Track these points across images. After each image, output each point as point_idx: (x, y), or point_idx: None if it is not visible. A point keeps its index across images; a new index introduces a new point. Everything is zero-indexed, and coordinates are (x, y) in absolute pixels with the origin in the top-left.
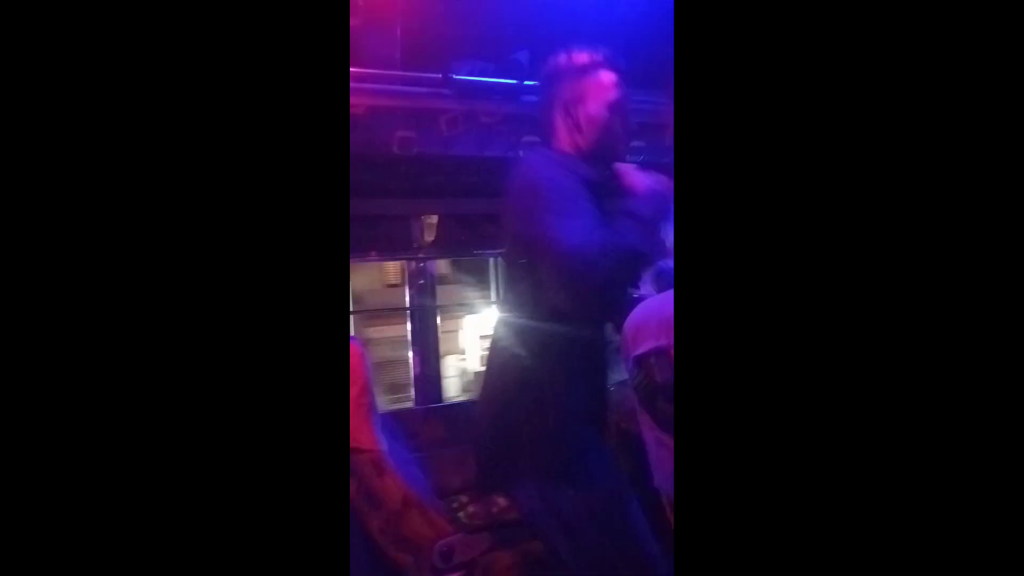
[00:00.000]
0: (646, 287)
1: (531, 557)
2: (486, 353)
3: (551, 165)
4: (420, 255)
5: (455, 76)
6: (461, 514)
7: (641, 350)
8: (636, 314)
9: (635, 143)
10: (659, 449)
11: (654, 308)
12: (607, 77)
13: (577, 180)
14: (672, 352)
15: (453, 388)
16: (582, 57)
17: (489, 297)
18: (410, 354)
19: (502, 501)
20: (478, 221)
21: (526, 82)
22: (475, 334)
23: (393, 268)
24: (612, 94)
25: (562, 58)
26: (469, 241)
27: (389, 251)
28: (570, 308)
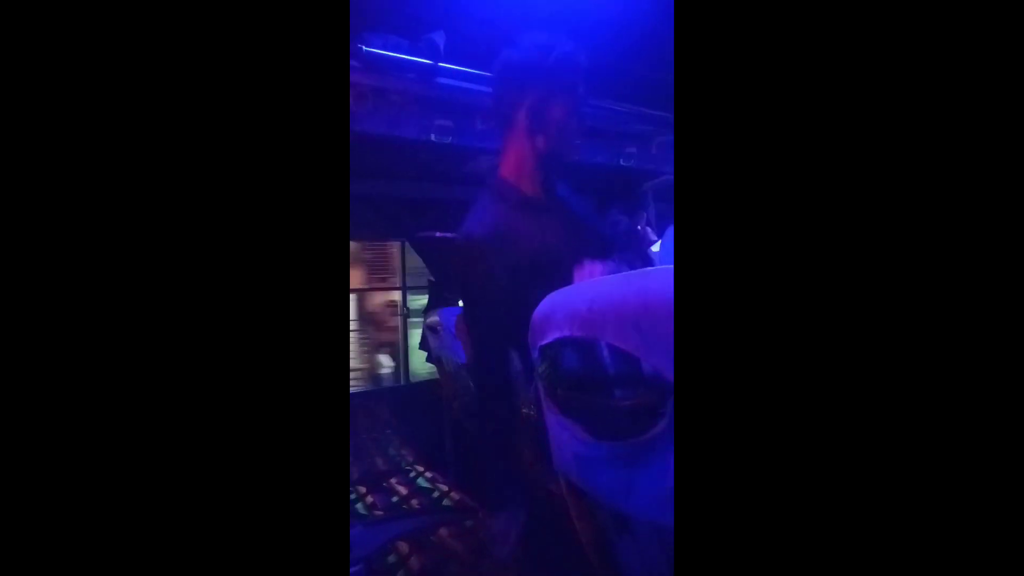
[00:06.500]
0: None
1: (429, 547)
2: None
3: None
4: None
5: (365, 48)
6: (359, 505)
7: (546, 340)
8: (542, 307)
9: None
10: (561, 432)
11: (559, 301)
12: (574, 74)
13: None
14: (574, 341)
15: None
16: (552, 52)
17: (396, 282)
18: None
19: (402, 490)
20: (385, 203)
21: (441, 64)
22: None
23: None
24: (578, 94)
25: (532, 50)
26: (376, 224)
27: None
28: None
